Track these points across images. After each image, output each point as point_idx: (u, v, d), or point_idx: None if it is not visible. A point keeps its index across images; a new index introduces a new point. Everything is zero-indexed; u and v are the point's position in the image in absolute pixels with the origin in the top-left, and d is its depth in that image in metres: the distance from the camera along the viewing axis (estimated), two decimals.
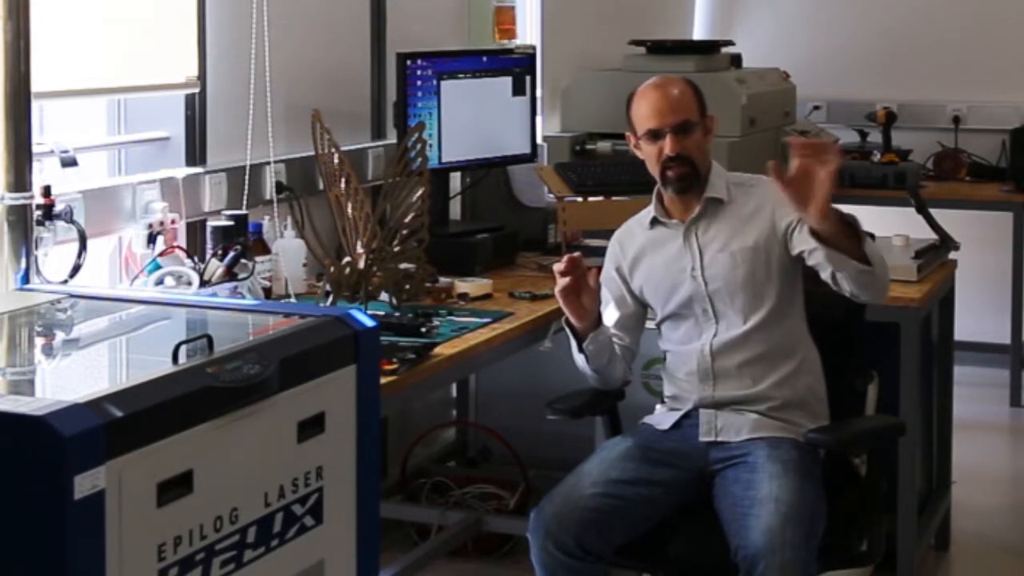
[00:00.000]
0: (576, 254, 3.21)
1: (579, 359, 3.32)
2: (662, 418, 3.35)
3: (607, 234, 3.52)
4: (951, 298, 4.50)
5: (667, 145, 3.26)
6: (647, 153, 3.32)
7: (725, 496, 3.11)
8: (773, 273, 3.26)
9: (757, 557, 2.90)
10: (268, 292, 3.56)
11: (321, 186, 3.56)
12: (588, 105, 5.15)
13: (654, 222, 3.38)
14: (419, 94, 4.12)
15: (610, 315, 3.37)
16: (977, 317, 5.96)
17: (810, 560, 2.95)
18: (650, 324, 3.44)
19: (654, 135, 3.28)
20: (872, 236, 3.48)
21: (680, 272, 3.31)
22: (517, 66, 4.41)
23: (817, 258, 3.13)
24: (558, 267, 3.18)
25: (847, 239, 3.04)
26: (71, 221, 3.04)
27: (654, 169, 3.32)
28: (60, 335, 2.69)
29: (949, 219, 4.70)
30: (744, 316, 3.26)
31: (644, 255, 3.38)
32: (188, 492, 2.14)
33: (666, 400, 3.39)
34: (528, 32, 5.36)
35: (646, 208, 3.41)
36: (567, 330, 3.30)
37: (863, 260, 3.05)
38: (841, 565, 3.21)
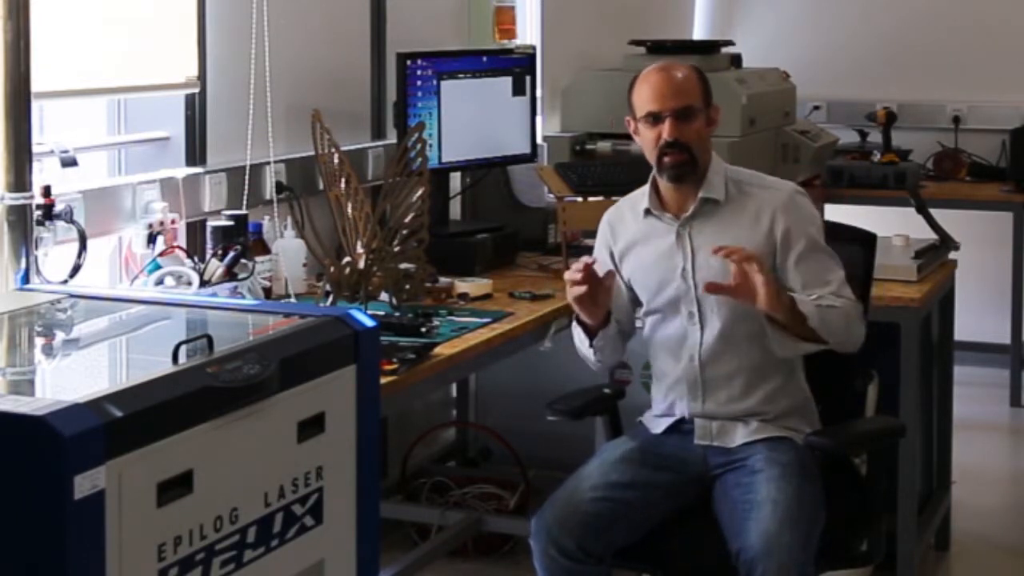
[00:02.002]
0: (590, 259, 3.15)
1: (587, 352, 3.28)
2: (655, 422, 3.32)
3: None
4: (951, 298, 4.50)
5: (666, 129, 3.18)
6: (645, 137, 3.23)
7: (725, 500, 3.11)
8: None
9: (755, 561, 2.90)
10: (268, 292, 3.56)
11: (321, 186, 3.56)
12: (588, 105, 5.14)
13: (647, 212, 3.31)
14: (419, 94, 4.12)
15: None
16: (977, 317, 5.96)
17: (807, 562, 2.94)
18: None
19: (654, 118, 3.20)
20: (873, 236, 3.48)
21: (671, 270, 3.25)
22: (517, 66, 4.41)
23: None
24: (571, 276, 3.11)
25: (799, 321, 3.09)
26: (71, 221, 3.04)
27: (651, 154, 3.23)
28: (60, 335, 2.69)
29: (949, 219, 4.70)
30: (731, 324, 3.20)
31: (635, 245, 3.31)
32: (188, 492, 2.14)
33: (655, 402, 3.35)
34: (528, 32, 5.36)
35: (640, 190, 3.33)
36: (577, 326, 3.25)
37: (816, 339, 3.11)
38: (841, 565, 3.21)
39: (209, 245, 3.46)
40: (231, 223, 3.46)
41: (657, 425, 3.32)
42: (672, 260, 3.26)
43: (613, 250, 3.35)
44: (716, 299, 3.19)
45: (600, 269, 3.21)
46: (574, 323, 3.27)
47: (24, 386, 2.35)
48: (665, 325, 3.28)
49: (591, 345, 3.25)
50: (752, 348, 3.20)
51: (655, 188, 3.31)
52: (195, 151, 3.69)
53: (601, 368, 3.36)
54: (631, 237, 3.33)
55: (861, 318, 3.20)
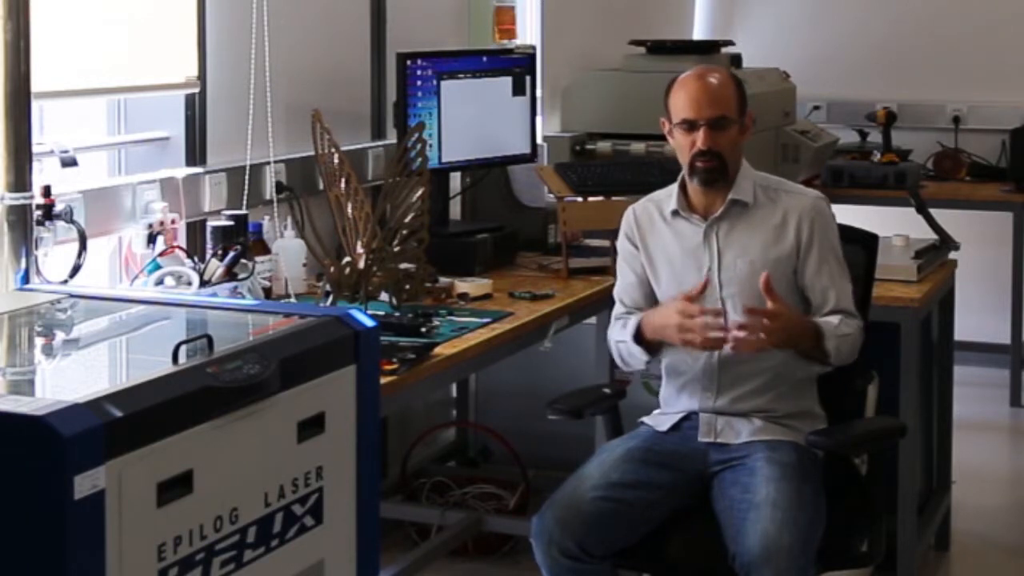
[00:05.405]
0: (693, 295, 3.15)
1: (637, 364, 3.31)
2: (661, 420, 3.33)
3: (607, 234, 3.51)
4: (951, 298, 4.50)
5: (700, 138, 3.21)
6: (679, 142, 3.27)
7: (723, 498, 3.10)
8: (787, 288, 3.20)
9: (753, 566, 2.89)
10: (268, 292, 3.56)
11: (321, 186, 3.56)
12: (588, 105, 5.14)
13: (675, 214, 3.32)
14: (419, 94, 4.12)
15: (632, 289, 3.34)
16: (977, 317, 5.96)
17: (807, 566, 2.94)
18: None
19: (689, 125, 3.23)
20: (875, 236, 3.48)
21: (696, 270, 3.26)
22: (517, 66, 4.41)
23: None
24: (694, 322, 3.11)
25: (819, 355, 3.19)
26: (71, 221, 3.04)
27: (684, 158, 3.27)
28: (60, 335, 2.69)
29: (949, 219, 4.70)
30: None
31: (661, 244, 3.32)
32: (188, 492, 2.14)
33: (663, 402, 3.37)
34: (528, 32, 5.36)
35: (666, 190, 3.36)
36: (637, 346, 3.25)
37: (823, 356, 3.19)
38: (841, 565, 3.21)
39: (209, 245, 3.46)
40: (231, 223, 3.46)
41: (663, 422, 3.31)
42: (698, 260, 3.27)
43: (638, 245, 3.35)
44: (742, 301, 3.19)
45: (626, 262, 3.34)
46: (630, 342, 3.26)
47: (24, 386, 2.35)
48: None
49: (650, 359, 3.29)
50: (773, 350, 3.20)
51: (683, 189, 3.33)
52: (195, 151, 3.68)
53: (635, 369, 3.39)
54: (658, 236, 3.34)
55: (862, 336, 3.26)
